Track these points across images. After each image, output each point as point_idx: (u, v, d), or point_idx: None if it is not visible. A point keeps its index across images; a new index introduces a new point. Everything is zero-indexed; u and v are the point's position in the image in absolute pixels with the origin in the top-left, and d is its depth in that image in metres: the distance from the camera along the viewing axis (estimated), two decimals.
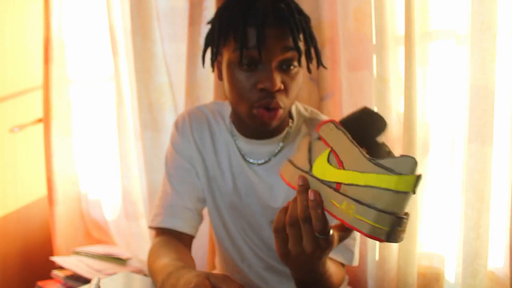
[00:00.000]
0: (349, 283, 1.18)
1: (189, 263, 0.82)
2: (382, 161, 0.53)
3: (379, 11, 1.11)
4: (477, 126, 0.98)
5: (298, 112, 0.95)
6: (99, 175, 1.94)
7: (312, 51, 0.85)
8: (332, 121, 0.59)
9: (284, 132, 0.91)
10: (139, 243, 1.70)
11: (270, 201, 0.91)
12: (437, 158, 1.11)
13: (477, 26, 0.96)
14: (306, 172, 0.61)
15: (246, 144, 0.92)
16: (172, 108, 1.55)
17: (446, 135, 1.09)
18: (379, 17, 1.11)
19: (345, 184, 0.55)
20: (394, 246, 1.15)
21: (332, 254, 0.85)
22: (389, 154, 0.61)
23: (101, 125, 1.90)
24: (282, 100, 0.80)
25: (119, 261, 1.65)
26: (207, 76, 1.45)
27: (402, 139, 1.09)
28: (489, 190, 0.98)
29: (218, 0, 1.33)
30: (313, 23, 0.89)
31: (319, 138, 0.61)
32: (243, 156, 0.92)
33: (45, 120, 1.93)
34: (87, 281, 1.47)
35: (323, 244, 0.60)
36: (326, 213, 0.58)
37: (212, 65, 0.88)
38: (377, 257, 1.18)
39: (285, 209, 0.62)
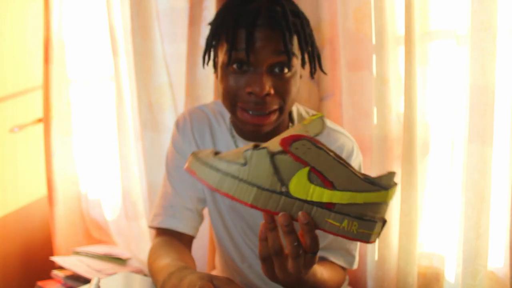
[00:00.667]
0: (349, 283, 1.18)
1: (190, 263, 0.81)
2: (374, 179, 0.56)
3: (379, 11, 1.11)
4: (477, 126, 0.98)
5: (299, 114, 0.94)
6: (99, 175, 1.94)
7: (306, 56, 0.83)
8: (304, 138, 0.55)
9: None
10: (139, 243, 1.70)
11: None
12: (437, 158, 1.11)
13: (477, 26, 0.96)
14: (281, 193, 0.55)
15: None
16: (172, 108, 1.55)
17: (446, 135, 1.09)
18: (379, 17, 1.11)
19: (341, 204, 0.55)
20: (394, 246, 1.15)
21: (334, 259, 0.86)
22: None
23: (101, 125, 1.90)
24: (275, 104, 0.78)
25: (119, 261, 1.65)
26: (207, 76, 1.45)
27: (402, 139, 1.09)
28: (489, 190, 0.98)
29: (218, 0, 1.33)
30: (313, 23, 0.88)
31: (284, 153, 0.55)
32: None
33: (45, 120, 1.93)
34: (87, 281, 1.47)
35: (310, 262, 0.59)
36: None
37: (214, 66, 0.88)
38: (376, 257, 1.18)
39: (264, 238, 0.59)
